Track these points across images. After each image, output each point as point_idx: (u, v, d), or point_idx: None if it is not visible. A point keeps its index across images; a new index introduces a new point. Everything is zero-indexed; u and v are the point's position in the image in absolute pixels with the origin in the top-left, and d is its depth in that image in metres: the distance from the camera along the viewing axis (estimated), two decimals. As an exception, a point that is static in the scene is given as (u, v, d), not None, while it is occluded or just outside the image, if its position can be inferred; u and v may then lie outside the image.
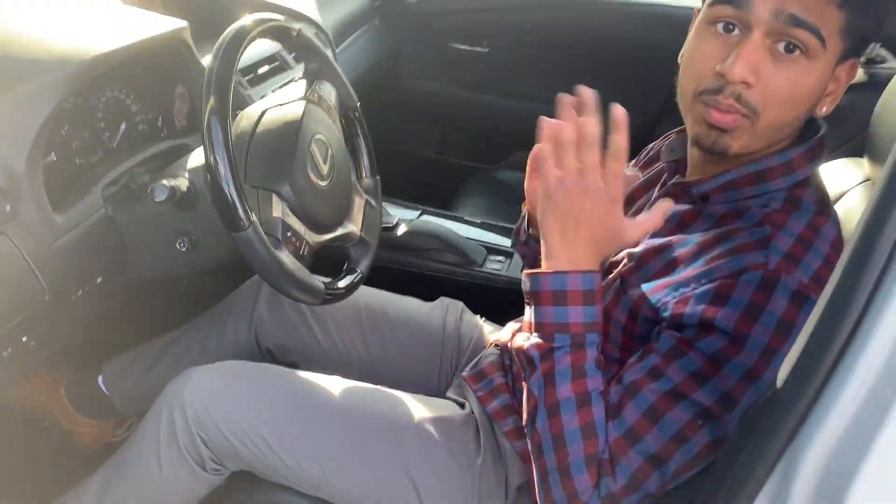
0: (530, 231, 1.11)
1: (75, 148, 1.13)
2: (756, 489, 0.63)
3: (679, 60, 0.89)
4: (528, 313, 0.84)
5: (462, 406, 1.12)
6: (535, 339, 0.82)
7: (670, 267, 0.85)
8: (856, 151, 1.19)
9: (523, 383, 0.84)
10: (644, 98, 2.21)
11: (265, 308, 1.30)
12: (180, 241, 1.08)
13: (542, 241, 0.83)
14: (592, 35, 2.22)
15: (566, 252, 0.81)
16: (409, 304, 1.33)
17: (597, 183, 0.78)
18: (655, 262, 0.87)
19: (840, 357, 0.59)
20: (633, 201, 1.02)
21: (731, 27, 0.81)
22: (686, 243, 0.86)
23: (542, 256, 0.83)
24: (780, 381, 0.63)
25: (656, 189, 0.99)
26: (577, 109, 0.82)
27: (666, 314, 0.82)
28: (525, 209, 1.11)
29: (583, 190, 0.78)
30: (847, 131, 1.41)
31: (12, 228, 0.95)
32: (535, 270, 0.82)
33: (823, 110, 0.85)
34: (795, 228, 0.81)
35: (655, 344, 0.82)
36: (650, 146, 1.11)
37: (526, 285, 0.84)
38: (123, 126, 1.23)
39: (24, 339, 1.00)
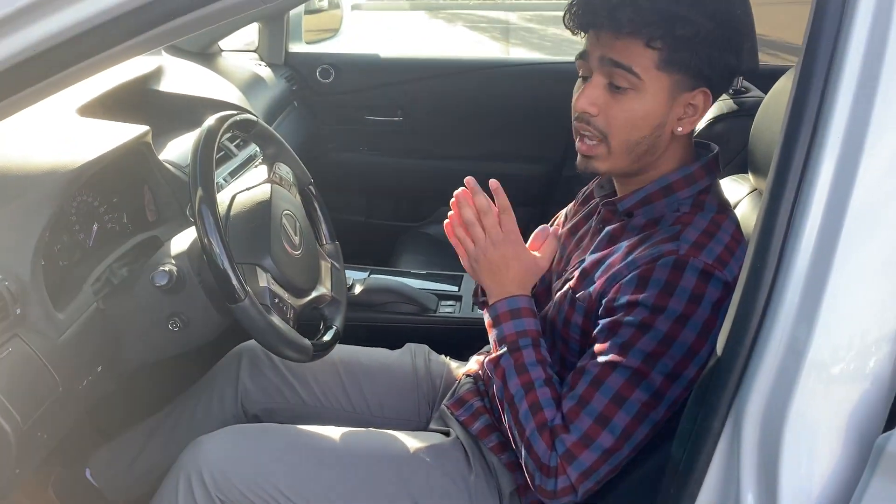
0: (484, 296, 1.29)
1: (58, 251, 1.21)
2: (715, 439, 0.80)
3: None
4: (492, 335, 1.11)
5: (447, 434, 1.25)
6: (502, 349, 1.08)
7: (608, 269, 1.05)
8: (739, 169, 1.41)
9: (507, 394, 1.05)
10: (548, 146, 2.45)
11: (247, 377, 1.39)
12: (172, 323, 1.18)
13: (486, 289, 1.14)
14: (495, 95, 2.46)
15: (501, 291, 1.11)
16: (380, 354, 1.46)
17: (500, 236, 1.10)
18: (596, 270, 1.07)
19: (761, 323, 0.76)
20: (578, 230, 1.22)
21: (587, 78, 1.05)
22: (618, 249, 1.07)
23: (489, 300, 1.13)
24: (719, 349, 0.80)
25: (594, 217, 1.19)
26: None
27: (604, 300, 1.02)
28: None
29: (493, 244, 1.10)
30: (729, 153, 1.65)
31: (24, 330, 1.03)
32: (490, 303, 1.12)
33: (679, 129, 1.04)
34: (701, 224, 1.02)
35: (597, 332, 1.03)
36: (585, 188, 1.32)
37: (488, 316, 1.13)
38: (95, 227, 1.32)
39: (39, 433, 1.07)
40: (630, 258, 1.02)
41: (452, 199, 1.12)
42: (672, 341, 0.96)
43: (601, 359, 0.99)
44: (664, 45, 0.98)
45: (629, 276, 1.00)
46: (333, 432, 1.21)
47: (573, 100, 1.06)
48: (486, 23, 11.37)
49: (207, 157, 1.10)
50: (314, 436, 1.19)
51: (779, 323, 0.75)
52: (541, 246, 1.17)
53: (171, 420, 1.41)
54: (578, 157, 1.08)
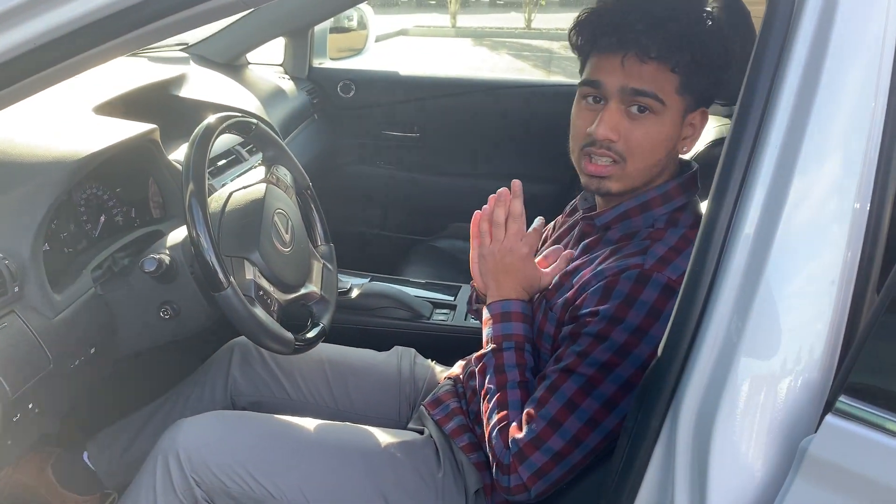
0: (477, 304, 1.34)
1: (64, 238, 1.29)
2: (654, 437, 0.82)
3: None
4: (484, 333, 1.16)
5: (422, 433, 1.28)
6: (489, 348, 1.13)
7: (580, 279, 1.08)
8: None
9: (484, 390, 1.11)
10: (558, 167, 2.47)
11: (238, 371, 1.44)
12: (164, 310, 1.24)
13: (486, 289, 1.17)
14: (509, 115, 2.51)
15: (499, 294, 1.15)
16: (367, 355, 1.50)
17: (517, 245, 1.13)
18: (569, 282, 1.10)
19: (697, 328, 0.79)
20: (560, 241, 1.25)
21: (598, 100, 1.06)
22: (591, 261, 1.10)
23: (486, 299, 1.17)
24: (660, 352, 0.83)
25: (575, 230, 1.22)
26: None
27: (571, 308, 1.05)
28: (473, 285, 1.34)
29: (509, 250, 1.14)
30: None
31: (20, 307, 1.10)
32: (488, 303, 1.16)
33: (684, 149, 1.09)
34: (671, 240, 1.04)
35: (560, 338, 1.06)
36: (572, 202, 1.35)
37: (486, 313, 1.17)
38: (103, 218, 1.40)
39: (30, 405, 1.13)
40: (599, 269, 1.05)
41: (493, 194, 1.16)
42: (627, 353, 0.98)
43: (559, 365, 1.03)
44: (686, 69, 1.01)
45: (595, 286, 1.03)
46: (309, 423, 1.25)
47: (589, 126, 1.05)
48: (528, 51, 11.46)
49: (201, 155, 1.16)
50: (290, 425, 1.24)
51: (713, 327, 0.77)
52: (549, 264, 1.18)
53: (165, 409, 1.46)
54: (586, 177, 1.09)
